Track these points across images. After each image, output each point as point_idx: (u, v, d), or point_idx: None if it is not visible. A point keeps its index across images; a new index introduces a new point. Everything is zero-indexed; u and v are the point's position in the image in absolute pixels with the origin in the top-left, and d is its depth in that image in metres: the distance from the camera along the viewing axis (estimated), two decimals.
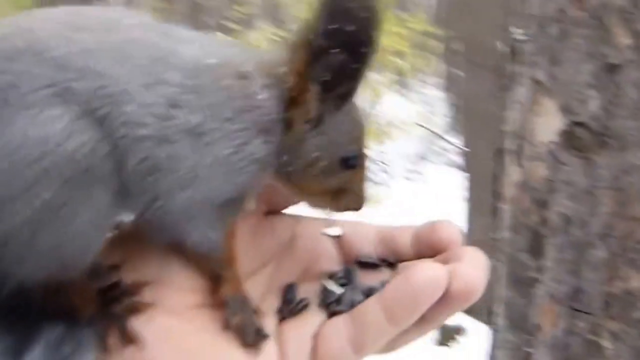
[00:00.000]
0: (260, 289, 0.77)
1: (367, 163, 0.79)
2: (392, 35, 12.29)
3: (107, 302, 0.70)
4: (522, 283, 1.75)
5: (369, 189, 0.79)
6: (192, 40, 0.73)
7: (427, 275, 0.65)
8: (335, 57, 0.68)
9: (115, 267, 0.73)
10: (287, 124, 0.73)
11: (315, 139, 0.73)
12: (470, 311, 6.32)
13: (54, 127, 0.64)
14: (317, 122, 0.73)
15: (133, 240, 0.74)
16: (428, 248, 0.73)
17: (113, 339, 0.68)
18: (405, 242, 0.76)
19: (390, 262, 0.76)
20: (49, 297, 0.68)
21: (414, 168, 11.39)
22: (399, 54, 13.38)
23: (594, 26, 1.61)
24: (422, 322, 0.68)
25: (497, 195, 1.93)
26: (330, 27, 0.68)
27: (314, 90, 0.71)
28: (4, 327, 0.66)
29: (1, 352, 0.64)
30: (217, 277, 0.74)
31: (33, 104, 0.64)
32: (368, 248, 0.78)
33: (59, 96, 0.65)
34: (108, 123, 0.66)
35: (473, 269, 0.67)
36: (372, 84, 10.75)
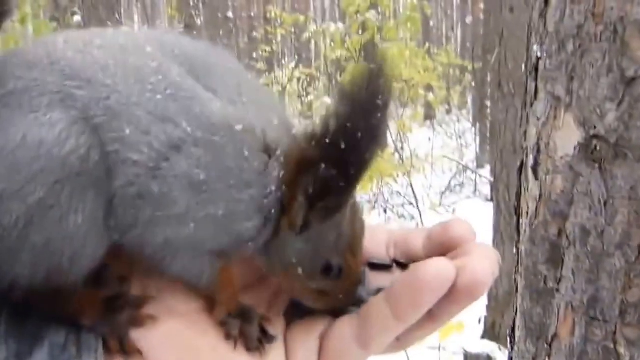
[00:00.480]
0: (269, 293, 0.77)
1: (356, 275, 0.74)
2: (421, 70, 12.33)
3: (111, 311, 0.70)
4: (541, 294, 1.75)
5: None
6: (222, 91, 0.71)
7: (433, 269, 0.63)
8: (325, 172, 0.66)
9: (123, 278, 0.73)
10: (275, 225, 0.71)
11: (297, 244, 0.71)
12: (498, 338, 6.25)
13: (52, 130, 0.65)
14: (302, 229, 0.71)
15: None
16: (440, 247, 0.71)
17: (115, 345, 0.68)
18: (418, 244, 0.74)
19: (402, 263, 0.75)
20: (52, 301, 0.68)
21: (443, 200, 11.35)
22: (429, 87, 13.43)
23: (612, 40, 1.62)
24: (430, 319, 0.67)
25: (519, 211, 1.95)
26: (324, 141, 0.66)
27: (300, 200, 0.69)
28: (9, 333, 0.65)
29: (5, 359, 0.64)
30: (210, 299, 0.73)
31: (38, 108, 0.66)
32: (380, 251, 0.77)
33: (61, 101, 0.66)
34: (102, 132, 0.66)
35: (480, 262, 0.65)
36: (403, 118, 10.78)
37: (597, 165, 1.64)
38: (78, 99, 0.66)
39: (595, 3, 1.66)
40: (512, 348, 1.89)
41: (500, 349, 5.59)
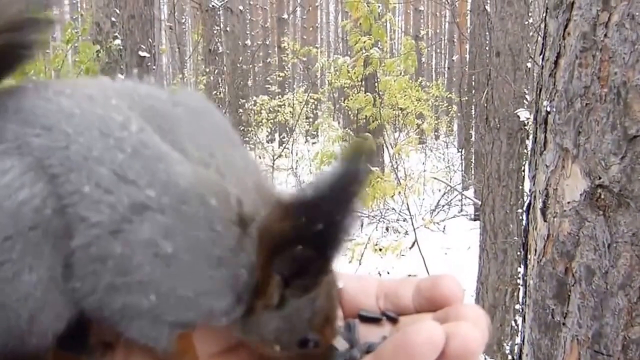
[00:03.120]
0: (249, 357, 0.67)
1: (332, 349, 0.65)
2: (414, 100, 12.40)
3: None
4: (548, 326, 1.73)
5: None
6: (192, 151, 0.61)
7: (423, 335, 0.54)
8: (302, 253, 0.58)
9: (107, 345, 0.63)
10: (249, 308, 0.61)
11: (273, 321, 0.62)
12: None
13: (2, 178, 0.56)
14: (277, 306, 0.62)
15: None
16: (429, 303, 0.63)
17: None
18: (407, 296, 0.66)
19: (392, 316, 0.66)
20: None
21: (433, 218, 11.35)
22: (421, 116, 13.50)
23: (616, 102, 1.61)
24: None
25: (526, 247, 1.93)
26: (300, 221, 0.57)
27: (275, 280, 0.60)
28: None
29: None
30: None
31: None
32: (370, 302, 0.68)
33: (17, 148, 0.57)
34: (59, 184, 0.57)
35: (472, 329, 0.56)
36: (398, 144, 10.83)
37: (601, 212, 1.62)
38: (35, 146, 0.57)
39: (600, 68, 1.65)
40: None
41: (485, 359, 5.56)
